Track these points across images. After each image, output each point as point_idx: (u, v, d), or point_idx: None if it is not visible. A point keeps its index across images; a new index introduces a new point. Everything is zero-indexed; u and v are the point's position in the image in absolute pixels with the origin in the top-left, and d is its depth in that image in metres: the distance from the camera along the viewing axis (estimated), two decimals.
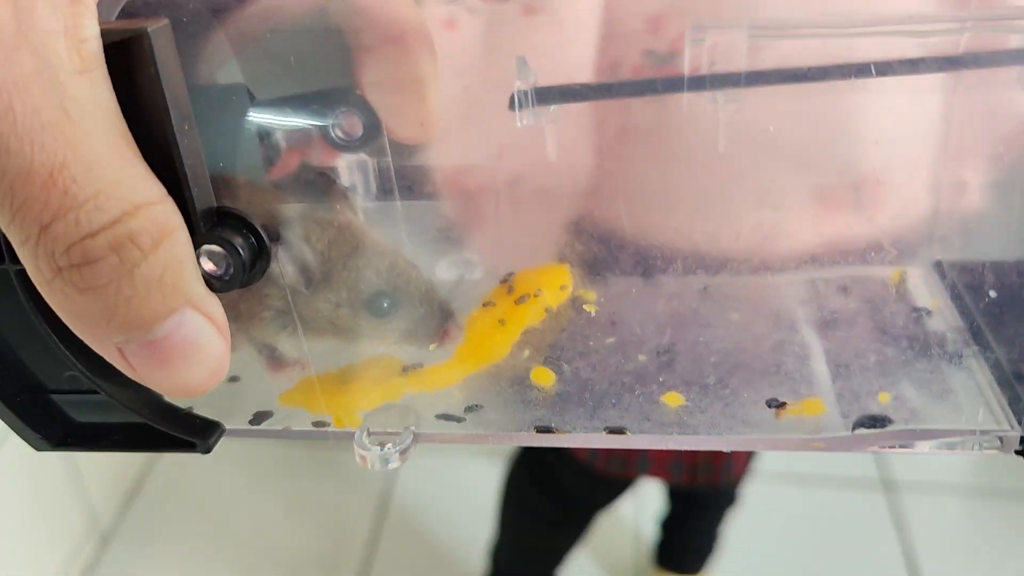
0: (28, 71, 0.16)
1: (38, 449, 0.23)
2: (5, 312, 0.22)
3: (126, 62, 0.18)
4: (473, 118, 0.28)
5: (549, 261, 0.27)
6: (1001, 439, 0.20)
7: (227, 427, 0.22)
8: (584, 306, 0.26)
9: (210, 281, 0.19)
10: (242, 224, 0.20)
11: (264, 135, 0.25)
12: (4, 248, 0.20)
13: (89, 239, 0.17)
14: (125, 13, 0.20)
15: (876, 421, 0.21)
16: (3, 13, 0.16)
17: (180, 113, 0.19)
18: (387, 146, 0.26)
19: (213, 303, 0.19)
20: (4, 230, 0.17)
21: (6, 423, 0.23)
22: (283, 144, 0.27)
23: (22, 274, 0.21)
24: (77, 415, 0.23)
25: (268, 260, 0.21)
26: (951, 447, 0.20)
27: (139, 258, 0.18)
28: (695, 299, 0.26)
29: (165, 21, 0.18)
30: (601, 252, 0.28)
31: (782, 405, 0.21)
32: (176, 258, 0.18)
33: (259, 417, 0.24)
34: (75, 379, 0.22)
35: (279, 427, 0.23)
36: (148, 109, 0.19)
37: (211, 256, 0.20)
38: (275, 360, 0.25)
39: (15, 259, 0.20)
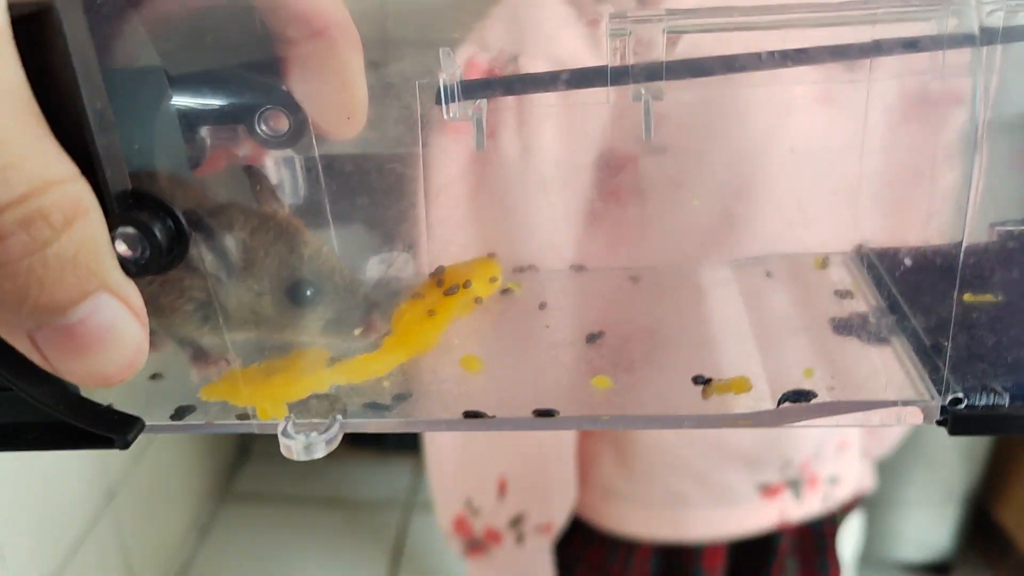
0: None
1: None
2: None
3: (35, 37, 0.18)
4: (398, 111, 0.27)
5: (479, 257, 0.27)
6: (923, 410, 0.20)
7: (148, 423, 0.22)
8: (510, 289, 0.26)
9: (126, 265, 0.19)
10: (159, 207, 0.19)
11: (189, 132, 0.25)
12: None
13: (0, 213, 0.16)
14: None
15: (801, 395, 0.21)
16: None
17: (91, 90, 0.18)
18: (314, 141, 0.26)
19: (130, 288, 0.19)
20: None
21: None
22: (208, 141, 0.26)
23: None
24: None
25: (186, 245, 0.20)
26: (877, 418, 0.21)
27: (50, 237, 0.17)
28: (625, 287, 0.26)
29: None
30: (531, 247, 0.28)
31: (708, 381, 0.21)
32: (90, 238, 0.18)
33: (181, 411, 0.23)
34: None
35: (202, 421, 0.22)
36: (58, 86, 0.18)
37: (126, 239, 0.19)
38: (199, 355, 0.24)
39: None
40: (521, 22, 0.31)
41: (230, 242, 0.22)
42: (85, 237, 0.18)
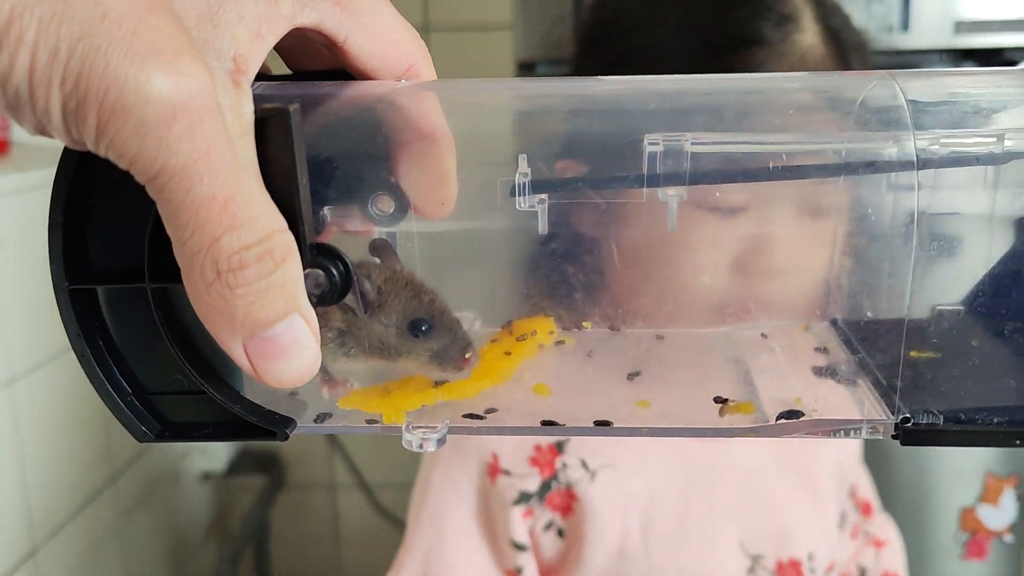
0: (218, 130, 0.23)
1: (140, 440, 0.28)
2: (127, 326, 0.28)
3: (271, 131, 0.25)
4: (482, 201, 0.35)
5: (539, 316, 0.34)
6: (882, 427, 0.27)
7: (299, 424, 0.28)
8: (564, 341, 0.33)
9: (309, 297, 0.26)
10: (336, 256, 0.27)
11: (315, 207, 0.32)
12: (146, 270, 0.26)
13: (244, 250, 0.23)
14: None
15: (793, 414, 0.28)
16: (207, 94, 0.23)
17: (303, 173, 0.25)
18: (413, 220, 0.33)
19: (312, 313, 0.25)
20: (180, 245, 0.23)
21: (117, 418, 0.28)
22: (329, 218, 0.33)
23: (157, 292, 0.27)
24: (174, 414, 0.28)
25: (350, 286, 0.27)
26: (847, 433, 0.27)
27: (272, 268, 0.24)
28: (653, 342, 0.33)
29: (297, 105, 0.25)
30: (580, 311, 0.35)
31: (725, 401, 0.28)
32: (293, 274, 0.25)
33: (321, 416, 0.30)
34: (178, 381, 0.28)
35: (340, 424, 0.29)
36: (281, 165, 0.25)
37: (312, 277, 0.26)
38: (327, 378, 0.31)
39: (154, 278, 0.26)
40: None
41: (368, 287, 0.29)
42: (290, 272, 0.25)
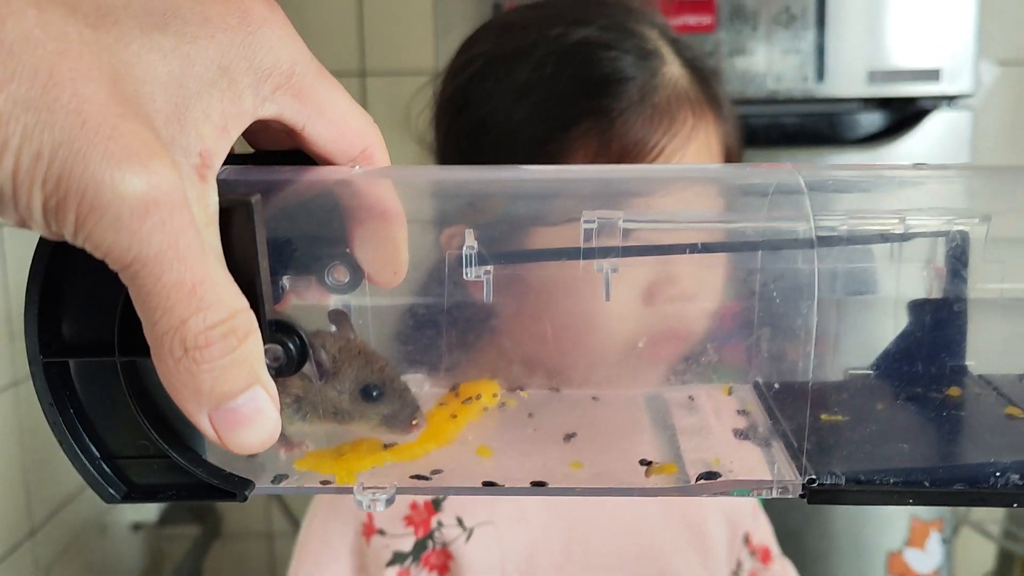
0: (186, 222, 0.25)
1: (108, 502, 0.30)
2: (97, 395, 0.29)
3: (234, 220, 0.27)
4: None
5: (484, 378, 0.36)
6: (791, 487, 0.29)
7: (257, 484, 0.30)
8: (507, 403, 0.35)
9: (269, 369, 0.27)
10: (293, 331, 0.28)
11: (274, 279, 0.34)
12: (116, 344, 0.28)
13: (209, 330, 0.25)
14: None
15: (711, 475, 0.30)
16: (176, 190, 0.25)
17: (263, 255, 0.27)
18: (367, 289, 0.35)
19: (272, 384, 0.27)
20: (150, 326, 0.25)
21: (85, 480, 0.29)
22: (288, 287, 0.35)
23: (126, 364, 0.28)
24: (140, 476, 0.30)
25: (306, 358, 0.29)
26: (759, 493, 0.30)
27: (235, 345, 0.26)
28: (589, 403, 0.35)
29: (259, 195, 0.27)
30: (522, 374, 0.37)
31: (650, 463, 0.31)
32: (254, 349, 0.27)
33: (278, 478, 0.31)
34: (144, 447, 0.30)
35: (295, 486, 0.30)
36: (243, 250, 0.27)
37: (272, 352, 0.28)
38: (284, 440, 0.33)
39: (124, 352, 0.28)
40: None
41: (324, 356, 0.31)
42: (252, 348, 0.27)
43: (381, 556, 0.78)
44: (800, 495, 0.31)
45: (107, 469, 0.30)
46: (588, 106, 0.72)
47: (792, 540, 1.00)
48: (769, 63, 1.22)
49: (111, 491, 0.30)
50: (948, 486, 0.30)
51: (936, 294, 0.35)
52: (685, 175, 0.37)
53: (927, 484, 0.30)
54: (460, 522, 0.79)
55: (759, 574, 0.90)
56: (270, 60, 0.30)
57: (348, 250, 0.35)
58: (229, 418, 0.28)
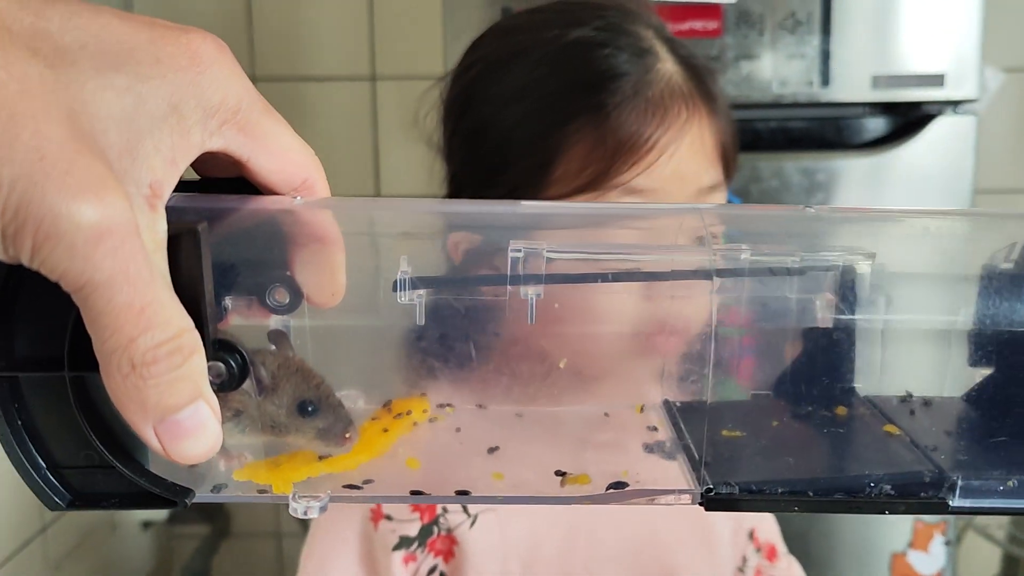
0: (136, 249, 0.27)
1: (52, 508, 0.31)
2: (45, 408, 0.31)
3: (182, 245, 0.29)
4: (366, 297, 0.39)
5: (416, 396, 0.38)
6: (691, 496, 0.32)
7: (198, 494, 0.31)
8: (436, 418, 0.37)
9: (212, 385, 0.29)
10: (235, 350, 0.30)
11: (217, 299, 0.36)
12: (66, 360, 0.30)
13: (156, 348, 0.27)
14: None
15: (619, 484, 0.33)
16: (127, 220, 0.27)
17: (208, 278, 0.29)
18: (306, 310, 0.37)
19: (214, 399, 0.29)
20: (100, 344, 0.27)
21: (30, 488, 0.31)
22: (231, 306, 0.37)
23: (75, 380, 0.30)
24: (84, 485, 0.31)
25: (247, 374, 0.31)
26: (666, 500, 0.33)
27: (180, 362, 0.28)
28: (513, 419, 0.38)
29: (205, 223, 0.29)
30: (453, 389, 0.39)
31: (564, 474, 0.33)
32: (198, 366, 0.28)
33: (217, 487, 0.33)
34: (89, 457, 0.31)
35: (233, 494, 0.32)
36: (189, 274, 0.29)
37: (215, 369, 0.30)
38: (225, 452, 0.34)
39: (73, 368, 0.30)
40: None
41: (263, 373, 0.33)
42: (196, 365, 0.28)
43: (388, 540, 0.77)
44: (699, 503, 0.34)
45: (52, 479, 0.30)
46: (583, 103, 0.73)
47: (796, 542, 0.98)
48: (775, 68, 1.20)
49: (55, 499, 0.30)
50: (829, 495, 0.32)
51: (827, 323, 0.39)
52: (616, 212, 0.40)
53: (811, 493, 0.33)
54: (465, 508, 0.78)
55: (765, 571, 0.88)
56: (218, 98, 0.32)
57: (288, 273, 0.37)
58: (173, 430, 0.29)
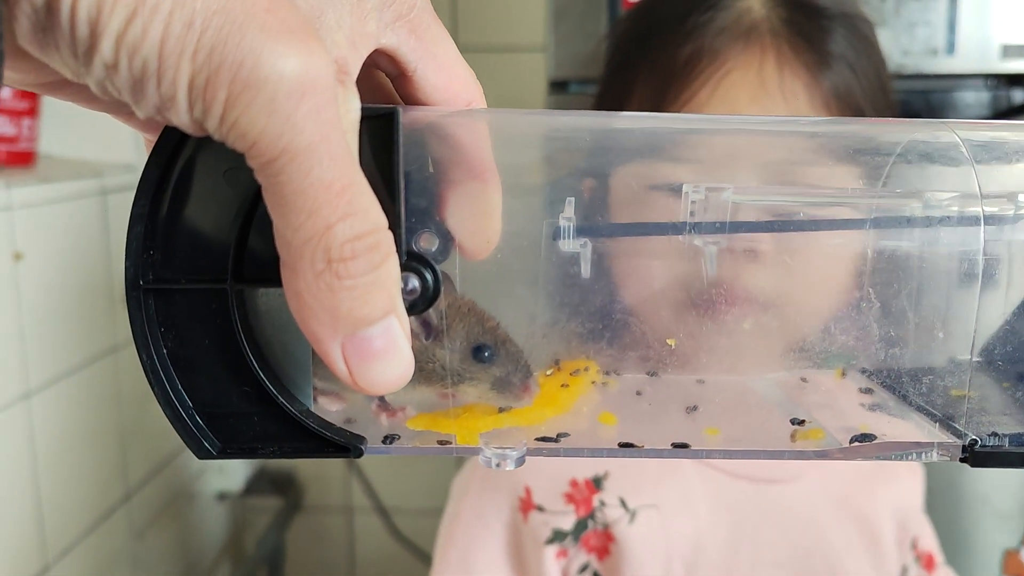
0: (336, 116, 0.22)
1: (200, 457, 0.25)
2: (197, 335, 0.26)
3: (373, 133, 0.24)
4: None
5: (581, 358, 0.33)
6: (950, 450, 0.27)
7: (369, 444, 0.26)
8: (608, 383, 0.32)
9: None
10: (427, 264, 0.26)
11: None
12: (231, 268, 0.25)
13: (356, 240, 0.22)
14: None
15: (866, 437, 0.27)
16: (331, 79, 0.22)
17: (401, 172, 0.25)
18: (457, 259, 0.32)
19: (406, 318, 0.24)
20: (292, 232, 0.22)
21: (177, 431, 0.25)
22: None
23: (240, 294, 0.25)
24: (238, 429, 0.26)
25: (439, 294, 0.26)
26: (918, 455, 0.27)
27: (379, 262, 0.22)
28: (696, 385, 0.33)
29: (401, 108, 0.25)
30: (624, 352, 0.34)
31: (802, 422, 0.28)
32: (395, 272, 0.23)
33: (388, 438, 0.27)
34: (247, 395, 0.26)
35: (409, 446, 0.27)
36: (379, 167, 0.24)
37: (406, 281, 0.25)
38: (383, 406, 0.29)
39: (237, 279, 0.25)
40: None
41: (431, 313, 0.28)
42: (393, 270, 0.23)
43: (540, 533, 0.69)
44: (961, 459, 0.27)
45: (200, 421, 0.25)
46: (646, 44, 0.69)
47: None
48: (896, 35, 1.08)
49: (206, 445, 0.24)
50: None
51: None
52: (807, 128, 0.35)
53: None
54: (623, 503, 0.69)
55: None
56: None
57: (438, 216, 0.32)
58: (364, 348, 0.22)
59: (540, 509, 0.70)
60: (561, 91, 1.10)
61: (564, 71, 1.08)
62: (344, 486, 1.68)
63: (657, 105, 0.67)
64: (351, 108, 0.23)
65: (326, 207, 0.21)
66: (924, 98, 1.20)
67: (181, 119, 0.21)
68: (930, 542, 0.81)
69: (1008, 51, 1.10)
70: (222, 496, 1.56)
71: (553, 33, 1.06)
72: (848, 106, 0.65)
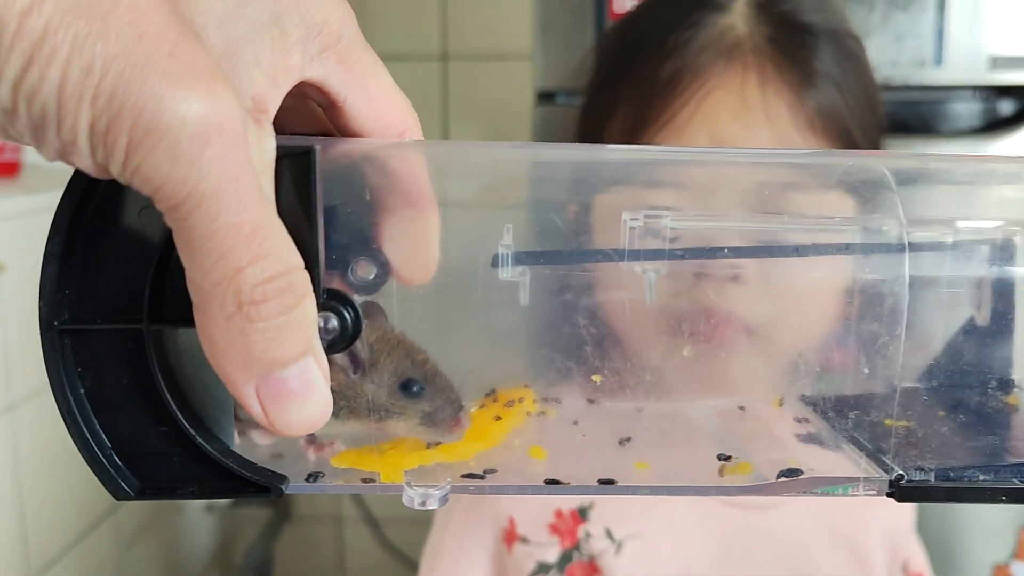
0: (246, 158, 0.22)
1: (118, 498, 0.25)
2: (112, 375, 0.25)
3: (291, 171, 0.24)
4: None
5: (520, 387, 0.33)
6: (876, 485, 0.27)
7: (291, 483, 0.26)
8: (545, 412, 0.32)
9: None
10: (346, 301, 0.25)
11: None
12: (146, 308, 0.24)
13: (267, 282, 0.21)
14: None
15: (793, 472, 0.27)
16: (239, 121, 0.22)
17: (319, 210, 0.24)
18: (395, 287, 0.32)
19: (324, 358, 0.24)
20: (201, 275, 0.22)
21: (94, 473, 0.25)
22: None
23: (155, 333, 0.25)
24: (156, 469, 0.26)
25: (359, 333, 0.26)
26: (844, 490, 0.27)
27: (292, 304, 0.22)
28: (633, 413, 0.32)
29: (319, 146, 0.25)
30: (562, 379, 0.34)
31: (728, 458, 0.28)
32: (310, 313, 0.23)
33: (313, 476, 0.27)
34: (165, 435, 0.25)
35: (333, 484, 0.27)
36: (297, 206, 0.24)
37: (325, 321, 0.25)
38: (313, 440, 0.29)
39: (152, 319, 0.25)
40: None
41: (360, 346, 0.28)
42: (308, 311, 0.23)
43: (524, 565, 0.68)
44: (887, 493, 0.26)
45: (119, 461, 0.24)
46: (629, 60, 0.67)
47: None
48: (883, 46, 1.06)
49: (123, 485, 0.24)
50: None
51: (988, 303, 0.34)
52: (754, 159, 0.35)
53: (1017, 481, 0.28)
54: (609, 533, 0.68)
55: None
56: (321, 18, 0.27)
57: (375, 244, 0.31)
58: (279, 390, 0.21)
59: (524, 540, 0.69)
60: (549, 102, 1.10)
61: (551, 82, 1.07)
62: (333, 496, 1.66)
63: (640, 122, 0.65)
64: (265, 148, 0.23)
65: (236, 250, 0.21)
66: (913, 110, 1.17)
67: (84, 163, 0.21)
68: (920, 563, 0.80)
69: (997, 62, 1.08)
70: (210, 507, 1.54)
71: (540, 44, 1.05)
72: (834, 125, 0.64)
